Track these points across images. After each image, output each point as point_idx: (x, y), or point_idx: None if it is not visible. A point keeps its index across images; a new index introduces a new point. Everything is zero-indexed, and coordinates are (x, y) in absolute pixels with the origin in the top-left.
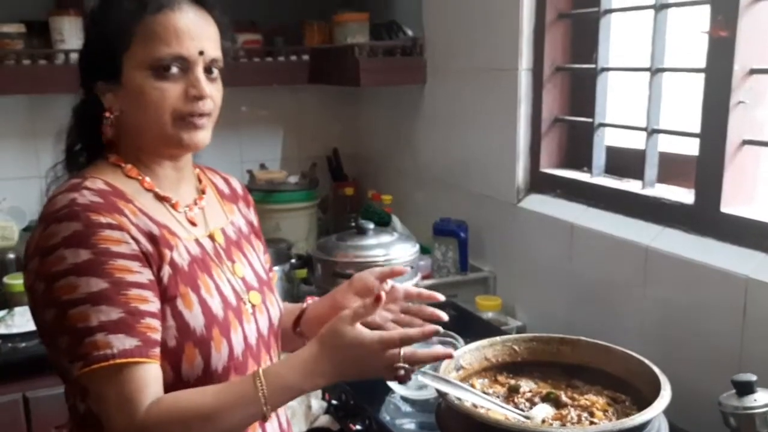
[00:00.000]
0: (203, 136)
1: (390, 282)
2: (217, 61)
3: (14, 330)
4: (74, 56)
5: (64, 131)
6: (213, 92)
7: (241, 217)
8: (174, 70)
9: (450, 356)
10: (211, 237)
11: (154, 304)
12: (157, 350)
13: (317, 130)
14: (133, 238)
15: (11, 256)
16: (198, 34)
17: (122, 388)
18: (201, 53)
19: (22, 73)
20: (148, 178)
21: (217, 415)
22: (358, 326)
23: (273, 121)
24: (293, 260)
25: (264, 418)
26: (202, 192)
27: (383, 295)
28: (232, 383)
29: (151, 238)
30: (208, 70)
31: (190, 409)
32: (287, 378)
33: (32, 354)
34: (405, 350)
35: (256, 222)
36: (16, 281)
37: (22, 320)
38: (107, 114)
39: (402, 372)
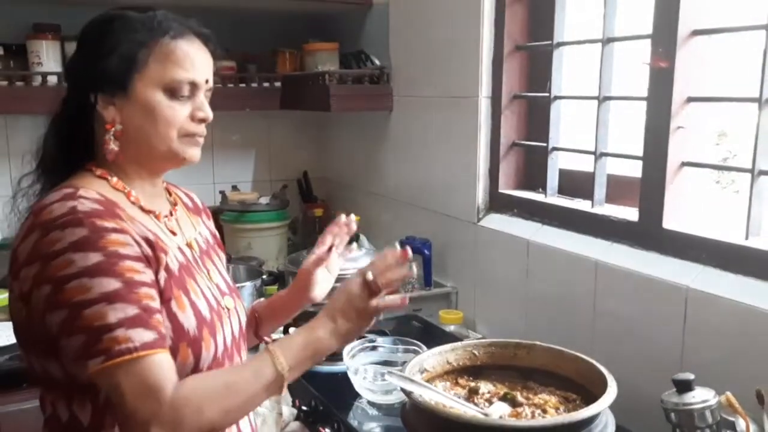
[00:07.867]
0: (199, 152)
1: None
2: (212, 88)
3: None
4: (51, 78)
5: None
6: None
7: (205, 229)
8: (185, 92)
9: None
10: (189, 246)
11: (158, 302)
12: (168, 343)
13: (288, 153)
14: (136, 241)
15: None
16: (203, 63)
17: (146, 378)
18: (207, 81)
19: None
20: (133, 192)
21: (240, 386)
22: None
23: (245, 145)
24: (264, 276)
25: (281, 388)
26: (174, 204)
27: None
28: (248, 360)
29: (148, 242)
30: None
31: (216, 385)
32: (295, 340)
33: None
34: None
35: (217, 234)
36: None
37: None
38: (108, 127)
39: (380, 302)
